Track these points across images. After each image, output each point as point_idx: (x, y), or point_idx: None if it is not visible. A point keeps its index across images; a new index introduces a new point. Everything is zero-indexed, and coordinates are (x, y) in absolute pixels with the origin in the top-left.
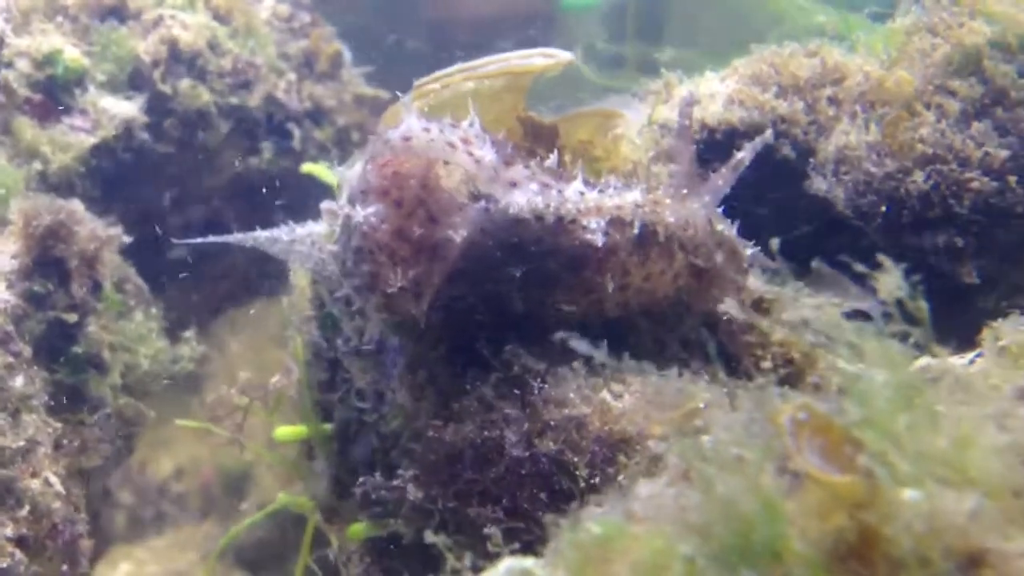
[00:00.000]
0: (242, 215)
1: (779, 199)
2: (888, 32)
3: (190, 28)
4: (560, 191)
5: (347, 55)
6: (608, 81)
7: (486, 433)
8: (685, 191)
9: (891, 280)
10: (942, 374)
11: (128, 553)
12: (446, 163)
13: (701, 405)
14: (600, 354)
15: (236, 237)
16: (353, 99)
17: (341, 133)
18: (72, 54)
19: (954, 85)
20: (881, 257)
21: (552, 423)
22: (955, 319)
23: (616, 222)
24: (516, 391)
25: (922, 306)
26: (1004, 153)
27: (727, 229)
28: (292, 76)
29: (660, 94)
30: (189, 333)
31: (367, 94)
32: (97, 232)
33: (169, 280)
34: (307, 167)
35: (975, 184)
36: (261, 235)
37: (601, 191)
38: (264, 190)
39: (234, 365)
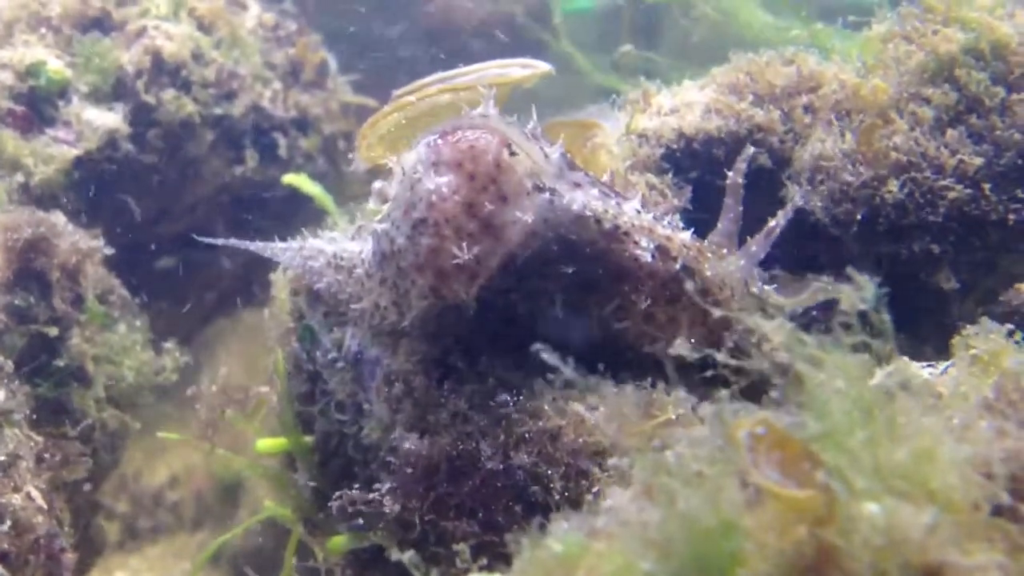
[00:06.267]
0: (229, 224)
1: (757, 208)
2: (864, 40)
3: (174, 39)
4: (619, 203)
5: (333, 63)
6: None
7: (461, 445)
8: (725, 250)
9: (856, 292)
10: (909, 383)
11: (123, 562)
12: (513, 153)
13: (673, 416)
14: (568, 369)
15: (257, 245)
16: (339, 107)
17: (327, 141)
18: (55, 65)
19: (928, 93)
20: (850, 270)
21: (527, 435)
22: (932, 325)
23: (662, 251)
24: (491, 403)
25: (885, 318)
26: (978, 161)
27: (761, 291)
28: (278, 85)
29: (638, 103)
30: (171, 344)
31: (353, 102)
32: (79, 244)
33: (156, 290)
34: (289, 178)
35: (951, 194)
36: (277, 246)
37: (656, 218)
38: (250, 198)
39: (225, 373)
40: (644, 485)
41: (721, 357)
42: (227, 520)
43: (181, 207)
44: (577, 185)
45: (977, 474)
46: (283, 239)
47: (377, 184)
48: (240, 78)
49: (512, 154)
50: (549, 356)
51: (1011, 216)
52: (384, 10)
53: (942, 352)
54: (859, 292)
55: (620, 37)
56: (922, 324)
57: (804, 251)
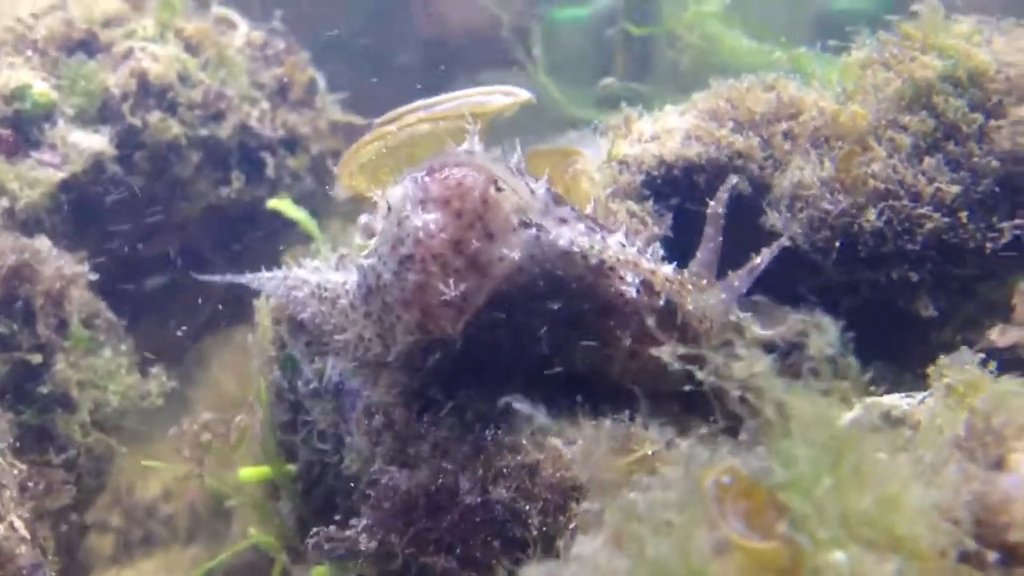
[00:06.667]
0: (217, 245)
1: (736, 234)
2: (844, 66)
3: (160, 60)
4: (604, 237)
5: (321, 82)
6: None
7: (440, 479)
8: (705, 281)
9: (823, 337)
10: (887, 415)
11: (116, 575)
12: (499, 189)
13: (649, 452)
14: (541, 418)
15: (246, 277)
16: (328, 126)
17: (315, 160)
18: (41, 88)
19: (906, 120)
20: (817, 316)
21: (505, 470)
22: (912, 352)
23: (647, 286)
24: (470, 436)
25: (852, 363)
26: (955, 188)
27: (739, 319)
28: (266, 104)
29: (620, 129)
30: (157, 369)
31: (342, 120)
32: (63, 270)
33: (146, 309)
34: (273, 203)
35: (928, 223)
36: (263, 275)
37: (639, 252)
38: (239, 217)
39: (221, 387)
40: (614, 531)
41: (701, 376)
42: (221, 533)
43: (169, 227)
44: (563, 220)
45: (944, 520)
46: (273, 256)
47: (363, 219)
48: (227, 99)
49: (498, 190)
50: (521, 406)
51: (988, 244)
52: (379, 19)
53: (923, 379)
54: (824, 336)
55: (614, 54)
56: (903, 351)
57: (785, 277)
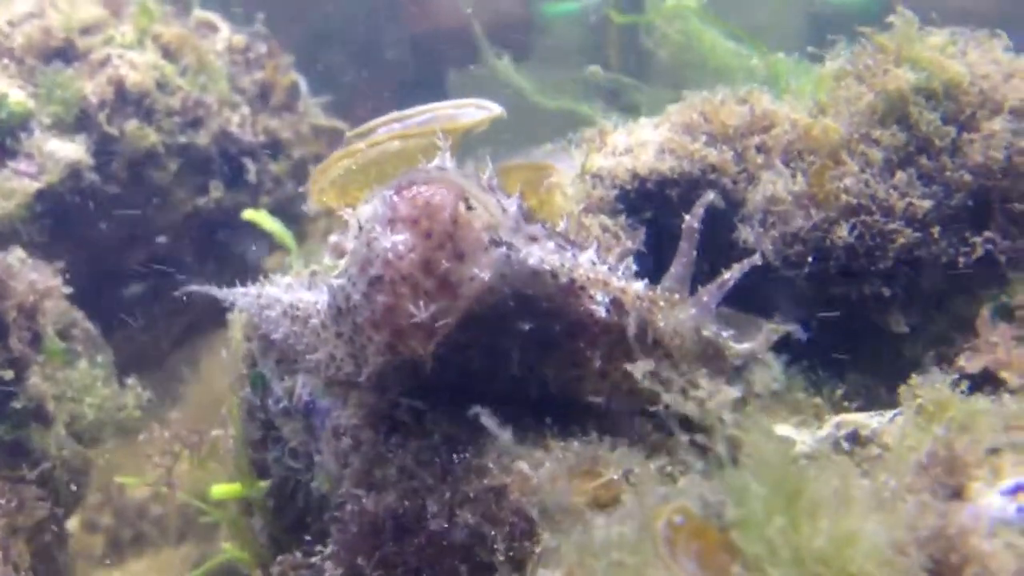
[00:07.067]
0: (198, 250)
1: (708, 249)
2: (818, 78)
3: (138, 68)
4: (575, 255)
5: (303, 85)
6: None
7: (407, 503)
8: (677, 296)
9: (768, 373)
10: (854, 435)
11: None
12: (470, 207)
13: (614, 476)
14: (506, 436)
15: (225, 292)
16: (310, 130)
17: (297, 165)
18: (17, 97)
19: (878, 134)
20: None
21: (471, 493)
22: (885, 366)
23: (617, 304)
24: (437, 459)
25: (800, 398)
26: (927, 203)
27: (712, 334)
28: (246, 110)
29: (594, 142)
30: (133, 380)
31: (324, 125)
32: (36, 284)
33: (126, 316)
34: (248, 214)
35: (900, 239)
36: (237, 291)
37: (611, 269)
38: (221, 223)
39: (212, 384)
40: (569, 568)
41: (667, 398)
42: (211, 534)
43: (148, 235)
44: (533, 238)
45: (900, 555)
46: (255, 261)
47: (333, 238)
48: (206, 105)
49: (469, 208)
50: (488, 421)
51: (960, 259)
52: (369, 14)
53: (894, 395)
54: (769, 372)
55: (606, 47)
56: (876, 364)
57: (757, 291)
